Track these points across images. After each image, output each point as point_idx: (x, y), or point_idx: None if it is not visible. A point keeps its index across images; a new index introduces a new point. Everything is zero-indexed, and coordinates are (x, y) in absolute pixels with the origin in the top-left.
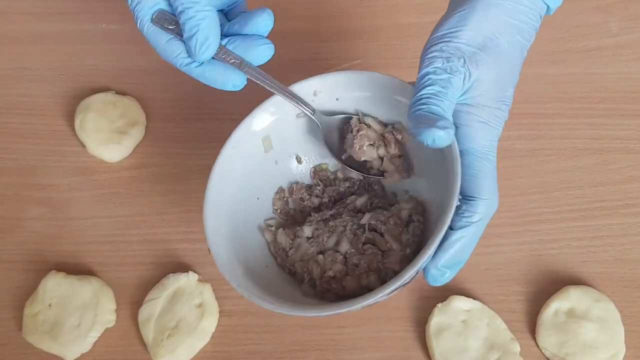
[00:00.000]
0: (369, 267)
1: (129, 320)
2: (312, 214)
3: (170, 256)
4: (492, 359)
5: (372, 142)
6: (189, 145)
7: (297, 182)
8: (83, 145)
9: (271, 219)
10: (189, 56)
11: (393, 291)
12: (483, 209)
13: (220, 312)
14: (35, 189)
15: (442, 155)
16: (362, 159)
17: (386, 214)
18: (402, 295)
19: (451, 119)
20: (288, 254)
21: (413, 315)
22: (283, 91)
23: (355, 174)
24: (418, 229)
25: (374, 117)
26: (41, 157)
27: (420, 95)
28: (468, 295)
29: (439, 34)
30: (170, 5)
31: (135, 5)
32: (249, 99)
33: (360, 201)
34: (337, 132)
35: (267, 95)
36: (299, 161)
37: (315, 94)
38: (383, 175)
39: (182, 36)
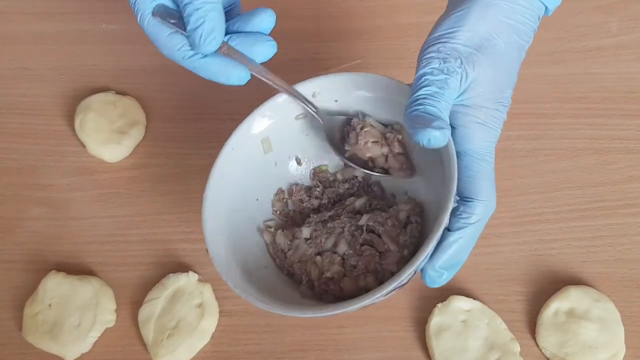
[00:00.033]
0: (367, 269)
1: (129, 320)
2: (311, 215)
3: (170, 256)
4: (492, 359)
5: (376, 140)
6: (189, 145)
7: (296, 184)
8: (83, 145)
9: (270, 220)
10: (192, 49)
11: (390, 292)
12: (481, 211)
13: (220, 312)
14: (35, 189)
15: (440, 156)
16: (368, 155)
17: (384, 216)
18: (402, 295)
19: (447, 119)
20: (286, 255)
21: (413, 315)
22: (286, 89)
23: (360, 172)
24: (416, 230)
25: (374, 118)
26: (41, 157)
27: (417, 95)
28: (468, 295)
29: (436, 34)
30: None
31: (135, 0)
32: (249, 99)
33: (359, 202)
34: (338, 133)
35: (268, 95)
36: (299, 163)
37: (314, 96)
38: (387, 173)
39: (184, 30)
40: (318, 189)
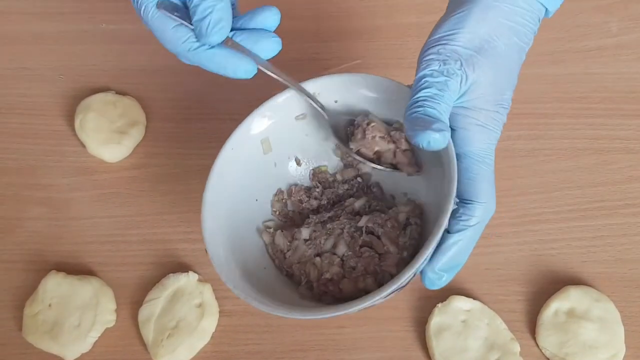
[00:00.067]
0: (366, 270)
1: (129, 320)
2: (311, 216)
3: (170, 256)
4: (492, 359)
5: (383, 135)
6: (189, 145)
7: (295, 184)
8: (83, 145)
9: (270, 220)
10: (198, 40)
11: (390, 294)
12: (480, 213)
13: (220, 312)
14: (35, 189)
15: (440, 158)
16: (375, 149)
17: (383, 217)
18: (402, 295)
19: (447, 121)
20: (286, 256)
21: (413, 315)
22: (293, 84)
23: (367, 167)
24: (415, 232)
25: (377, 117)
26: (41, 157)
27: (417, 97)
28: (468, 295)
29: (437, 36)
30: None
31: None
32: (249, 99)
33: (358, 204)
34: (342, 132)
35: (268, 95)
36: (298, 163)
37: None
38: (395, 169)
39: (189, 23)
40: (317, 190)
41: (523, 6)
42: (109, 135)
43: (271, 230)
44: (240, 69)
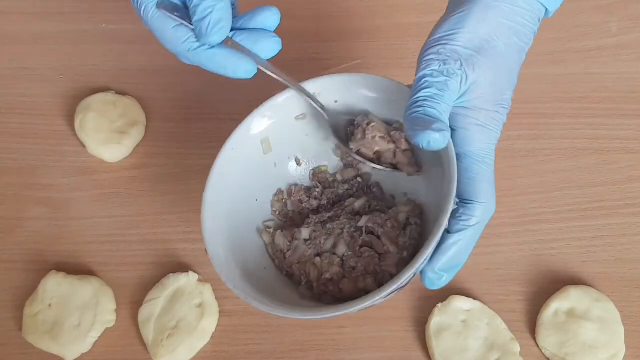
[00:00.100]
0: (366, 270)
1: (129, 320)
2: (311, 216)
3: (170, 256)
4: (492, 359)
5: (383, 135)
6: (189, 145)
7: (295, 184)
8: (83, 145)
9: (270, 220)
10: (198, 40)
11: (390, 294)
12: (480, 213)
13: (220, 312)
14: (35, 189)
15: (440, 158)
16: (375, 149)
17: (383, 217)
18: (402, 296)
19: (447, 121)
20: (286, 256)
21: (413, 315)
22: (293, 84)
23: (367, 167)
24: (415, 232)
25: (377, 117)
26: (41, 157)
27: (417, 97)
28: (468, 295)
29: (436, 36)
30: None
31: None
32: (249, 99)
33: (358, 204)
34: (342, 132)
35: (268, 95)
36: (298, 163)
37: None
38: (395, 169)
39: (189, 23)
40: (317, 190)
41: (523, 6)
42: (109, 135)
43: (271, 230)
44: (240, 69)
